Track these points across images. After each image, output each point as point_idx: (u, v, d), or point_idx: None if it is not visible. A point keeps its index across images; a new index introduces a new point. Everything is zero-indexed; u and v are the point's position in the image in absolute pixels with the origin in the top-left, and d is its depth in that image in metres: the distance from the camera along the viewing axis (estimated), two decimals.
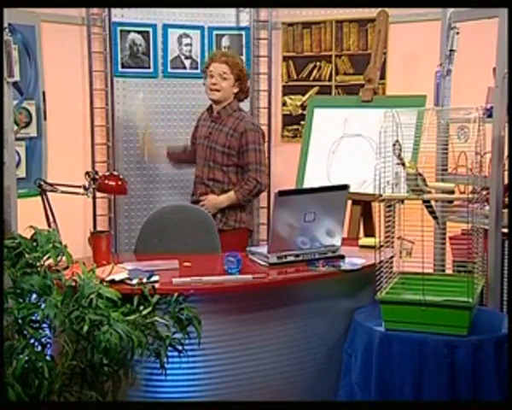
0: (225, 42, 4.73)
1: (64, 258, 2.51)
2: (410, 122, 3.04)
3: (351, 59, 4.64)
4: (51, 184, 3.56)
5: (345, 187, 3.15)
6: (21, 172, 4.09)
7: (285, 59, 4.80)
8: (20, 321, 2.38)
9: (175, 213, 3.66)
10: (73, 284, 2.48)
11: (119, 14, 4.52)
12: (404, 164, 2.90)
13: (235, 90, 4.00)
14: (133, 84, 4.62)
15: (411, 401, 2.66)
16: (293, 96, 4.80)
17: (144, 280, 2.69)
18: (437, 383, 2.64)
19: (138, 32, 4.58)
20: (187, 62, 4.69)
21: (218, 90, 3.96)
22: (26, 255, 2.46)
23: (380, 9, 4.24)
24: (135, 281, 2.69)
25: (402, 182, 2.93)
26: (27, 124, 4.18)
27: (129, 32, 4.56)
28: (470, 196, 2.82)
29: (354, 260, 3.08)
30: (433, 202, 3.18)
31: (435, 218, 3.24)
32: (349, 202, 3.75)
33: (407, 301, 2.76)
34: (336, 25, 4.65)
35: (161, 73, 4.67)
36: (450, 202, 3.21)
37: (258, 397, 2.87)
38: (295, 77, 4.78)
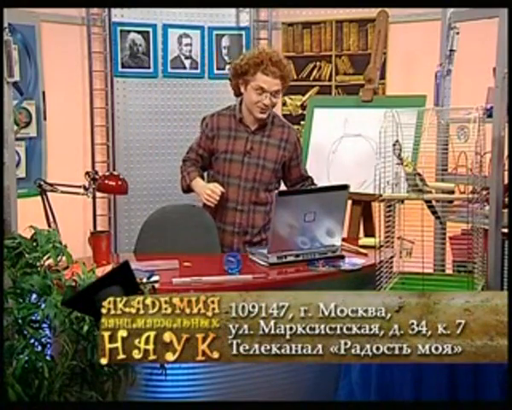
0: (225, 42, 4.73)
1: (64, 258, 2.51)
2: (410, 122, 3.04)
3: (351, 59, 4.64)
4: (51, 184, 3.56)
5: (345, 187, 3.15)
6: (21, 172, 4.09)
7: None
8: (20, 321, 2.38)
9: (175, 213, 3.66)
10: (73, 284, 2.48)
11: (119, 14, 4.52)
12: (403, 164, 2.90)
13: None
14: (133, 84, 4.62)
15: (411, 401, 2.66)
16: (293, 96, 4.80)
17: (144, 280, 2.69)
18: (437, 383, 2.64)
19: (138, 32, 4.58)
20: (187, 62, 4.69)
21: (267, 110, 3.42)
22: (26, 255, 2.45)
23: (380, 9, 4.23)
24: None
25: (402, 182, 2.93)
26: (27, 124, 4.18)
27: (129, 32, 4.56)
28: (470, 196, 2.82)
29: (354, 260, 3.09)
30: (433, 202, 3.18)
31: (438, 217, 3.24)
32: (349, 202, 3.75)
33: None
34: (336, 25, 4.66)
35: (161, 73, 4.67)
36: (451, 201, 3.21)
37: (258, 397, 2.86)
38: (295, 77, 4.76)
